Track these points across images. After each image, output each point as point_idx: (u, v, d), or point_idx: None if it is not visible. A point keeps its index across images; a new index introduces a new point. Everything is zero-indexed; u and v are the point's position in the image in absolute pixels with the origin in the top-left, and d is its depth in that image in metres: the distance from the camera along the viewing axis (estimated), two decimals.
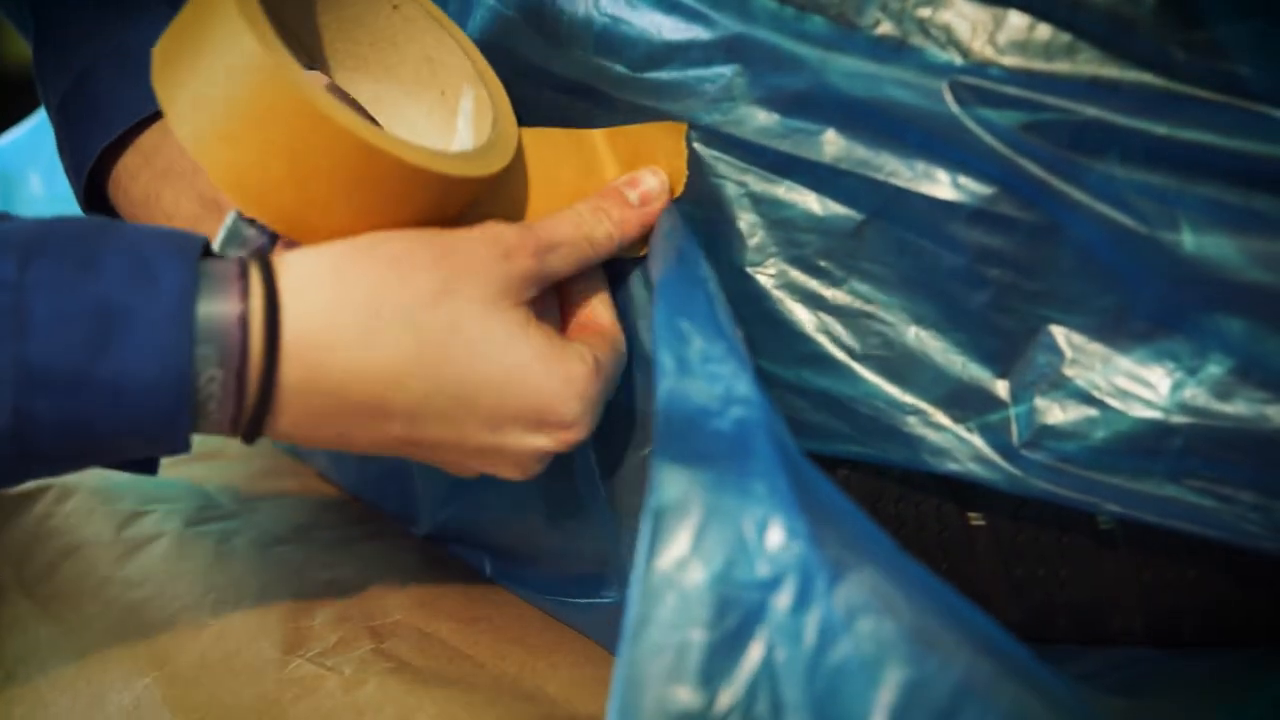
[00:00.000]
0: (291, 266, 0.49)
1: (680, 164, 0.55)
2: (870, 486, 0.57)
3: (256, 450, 0.80)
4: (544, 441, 0.51)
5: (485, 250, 0.51)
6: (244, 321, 0.48)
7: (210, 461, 0.79)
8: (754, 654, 0.37)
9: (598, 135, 0.57)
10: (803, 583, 0.38)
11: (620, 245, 0.55)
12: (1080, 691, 0.43)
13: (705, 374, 0.42)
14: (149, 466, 0.57)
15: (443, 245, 0.51)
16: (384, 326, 0.49)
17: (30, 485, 0.74)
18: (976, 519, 0.57)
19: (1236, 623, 0.58)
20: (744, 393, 0.42)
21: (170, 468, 0.77)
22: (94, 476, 0.74)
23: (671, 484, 0.38)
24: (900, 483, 0.57)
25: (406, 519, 0.71)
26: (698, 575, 0.37)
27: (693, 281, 0.48)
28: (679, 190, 0.56)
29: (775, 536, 0.38)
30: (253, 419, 0.49)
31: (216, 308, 0.48)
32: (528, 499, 0.62)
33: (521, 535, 0.65)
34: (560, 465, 0.57)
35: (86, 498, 0.72)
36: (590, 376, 0.51)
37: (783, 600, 0.37)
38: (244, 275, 0.49)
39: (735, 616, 0.37)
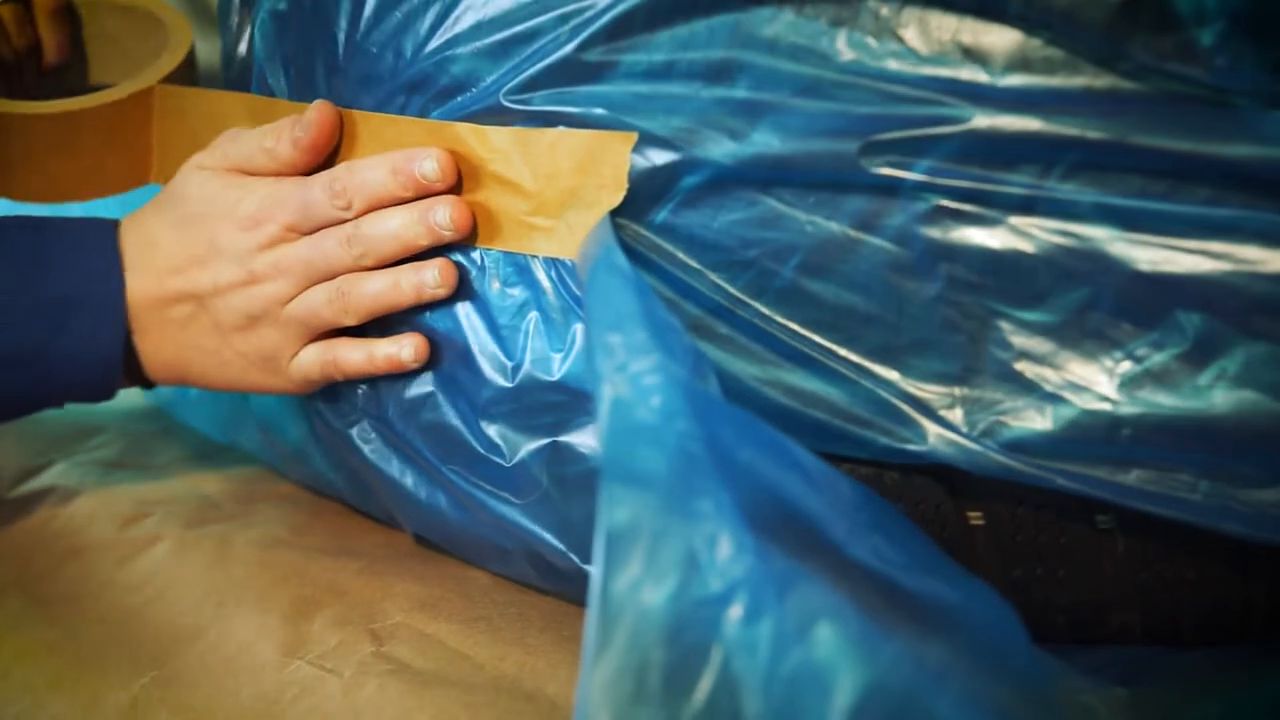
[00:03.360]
0: None
1: (622, 175, 0.55)
2: (870, 485, 0.57)
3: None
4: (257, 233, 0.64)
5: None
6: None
7: (210, 463, 0.79)
8: (712, 669, 0.37)
9: (493, 132, 0.58)
10: (754, 595, 0.38)
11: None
12: (1040, 659, 0.43)
13: (642, 390, 0.42)
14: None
15: None
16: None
17: (32, 488, 0.75)
18: (976, 519, 0.57)
19: (1235, 621, 0.57)
20: (682, 407, 0.42)
21: (171, 469, 0.78)
22: (96, 480, 0.75)
23: (620, 507, 0.38)
24: (900, 482, 0.57)
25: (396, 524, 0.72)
26: (652, 596, 0.37)
27: (618, 290, 0.48)
28: (618, 200, 0.56)
29: (724, 552, 0.38)
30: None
31: None
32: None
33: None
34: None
35: (88, 500, 0.73)
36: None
37: (735, 614, 0.38)
38: None
39: (692, 633, 0.37)
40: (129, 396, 0.88)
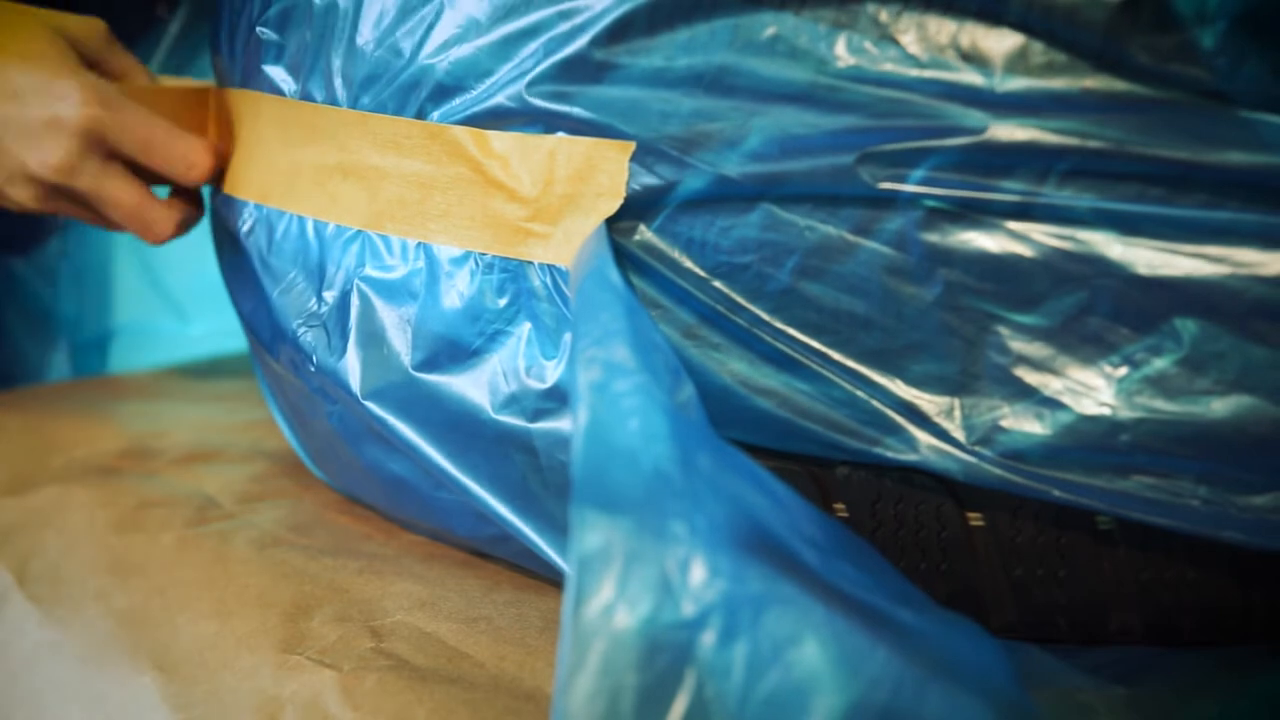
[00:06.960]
0: None
1: (620, 184, 0.55)
2: (870, 486, 0.57)
3: (257, 451, 0.81)
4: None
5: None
6: None
7: (210, 462, 0.80)
8: (685, 692, 0.37)
9: (493, 136, 0.58)
10: (728, 618, 0.38)
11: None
12: (1016, 684, 0.43)
13: (621, 412, 0.42)
14: None
15: None
16: None
17: (32, 488, 0.75)
18: (976, 519, 0.57)
19: (1235, 622, 0.57)
20: (662, 430, 0.42)
21: (171, 469, 0.78)
22: (96, 480, 0.75)
23: (592, 531, 0.38)
24: (900, 483, 0.57)
25: (405, 524, 0.72)
26: (625, 620, 0.37)
27: (607, 306, 0.48)
28: (614, 208, 0.56)
29: (698, 576, 0.38)
30: None
31: None
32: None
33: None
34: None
35: (88, 500, 0.73)
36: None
37: (709, 638, 0.38)
38: None
39: (665, 657, 0.37)
40: (128, 396, 0.89)
